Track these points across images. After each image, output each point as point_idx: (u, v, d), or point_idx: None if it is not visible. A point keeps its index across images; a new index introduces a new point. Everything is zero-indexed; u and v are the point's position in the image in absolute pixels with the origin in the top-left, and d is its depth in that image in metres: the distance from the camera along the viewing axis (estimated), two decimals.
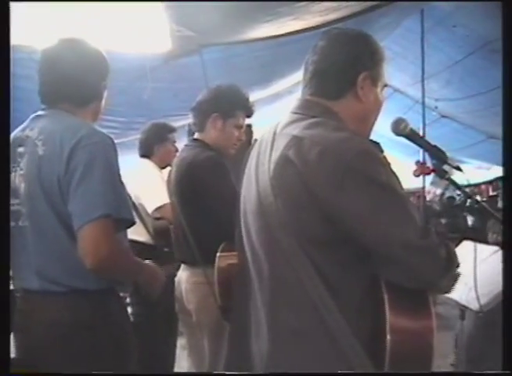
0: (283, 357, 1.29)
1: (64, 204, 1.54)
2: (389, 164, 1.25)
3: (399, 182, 1.24)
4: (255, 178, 1.34)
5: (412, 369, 1.19)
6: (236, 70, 4.96)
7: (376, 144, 1.30)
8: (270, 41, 4.45)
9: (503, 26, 1.66)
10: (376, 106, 1.42)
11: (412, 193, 11.00)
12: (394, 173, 1.24)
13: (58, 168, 1.54)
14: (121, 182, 1.61)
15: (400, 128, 1.40)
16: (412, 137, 1.43)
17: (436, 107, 8.76)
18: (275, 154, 1.28)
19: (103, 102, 1.80)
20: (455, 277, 1.27)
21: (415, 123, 7.12)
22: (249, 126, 2.66)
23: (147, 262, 1.78)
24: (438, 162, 1.44)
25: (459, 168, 1.48)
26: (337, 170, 1.17)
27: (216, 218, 2.07)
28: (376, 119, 1.45)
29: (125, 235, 1.75)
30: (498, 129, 10.46)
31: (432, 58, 6.81)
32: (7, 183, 1.56)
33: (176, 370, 3.31)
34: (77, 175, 1.52)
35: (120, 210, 1.56)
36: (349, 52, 1.36)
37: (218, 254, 1.89)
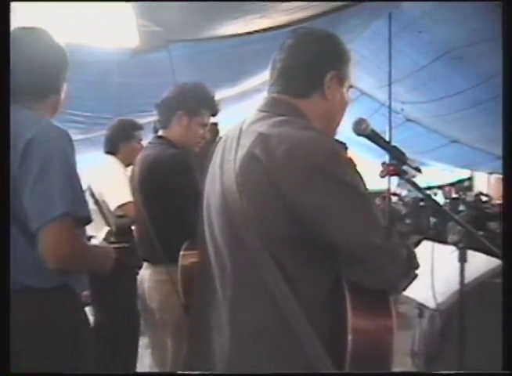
0: (244, 356, 1.29)
1: (17, 201, 1.49)
2: (354, 164, 1.26)
3: (364, 183, 1.25)
4: (220, 176, 1.33)
5: (373, 368, 1.20)
6: (204, 67, 4.94)
7: (342, 144, 1.31)
8: (238, 39, 4.45)
9: (503, 26, 1.68)
10: (342, 106, 1.43)
11: (378, 193, 11.19)
12: (359, 174, 1.25)
13: (12, 164, 1.48)
14: (79, 180, 1.58)
15: (361, 129, 1.42)
16: (373, 137, 1.45)
17: (402, 110, 8.92)
18: (242, 151, 1.28)
19: (63, 95, 1.75)
20: (413, 278, 1.29)
21: (381, 126, 7.29)
22: (215, 124, 2.65)
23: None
24: (397, 163, 1.47)
25: (418, 169, 1.51)
26: (304, 169, 1.18)
27: (179, 216, 2.06)
28: (341, 119, 1.46)
29: (84, 231, 1.73)
30: (460, 134, 10.77)
31: (398, 62, 6.94)
32: (7, 183, 1.50)
33: (139, 369, 3.28)
34: (33, 172, 1.47)
35: (78, 208, 1.53)
36: (317, 51, 1.37)
37: (181, 252, 1.88)
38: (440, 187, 15.37)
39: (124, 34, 3.70)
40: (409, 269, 1.25)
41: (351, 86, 1.46)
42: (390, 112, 6.94)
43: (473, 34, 6.22)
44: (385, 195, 8.27)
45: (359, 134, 1.43)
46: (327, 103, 1.38)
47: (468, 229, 1.64)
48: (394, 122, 7.39)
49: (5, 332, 1.39)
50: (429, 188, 15.19)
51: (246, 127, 1.35)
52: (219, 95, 6.29)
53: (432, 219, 10.12)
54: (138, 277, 2.47)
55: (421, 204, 9.66)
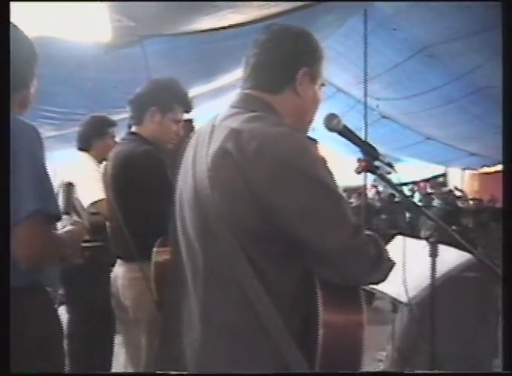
0: (216, 352, 1.29)
1: None
2: (326, 161, 1.27)
3: (334, 180, 1.26)
4: (192, 171, 1.33)
5: (343, 363, 1.21)
6: (179, 63, 4.92)
7: (313, 140, 1.32)
8: (213, 35, 4.44)
9: (503, 26, 1.69)
10: (315, 103, 1.44)
11: (355, 189, 11.27)
12: (329, 170, 1.26)
13: None
14: (48, 177, 1.55)
15: (333, 124, 1.43)
16: (345, 133, 1.46)
17: (377, 106, 9.00)
18: (214, 147, 1.28)
19: (33, 90, 1.72)
20: (387, 268, 1.31)
21: (357, 122, 7.34)
22: (190, 121, 2.64)
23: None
24: (369, 158, 1.48)
25: (390, 165, 1.52)
26: (275, 165, 1.18)
27: (152, 212, 2.05)
28: (314, 115, 1.47)
29: (54, 228, 1.70)
30: (434, 131, 10.92)
31: (374, 59, 7.01)
32: (7, 183, 1.46)
33: (114, 368, 3.25)
34: None
35: (48, 206, 1.50)
36: (290, 47, 1.37)
37: (154, 249, 1.87)
38: (415, 183, 15.57)
39: (98, 29, 3.65)
40: (378, 264, 1.25)
41: (323, 84, 1.46)
42: (365, 109, 7.00)
43: (446, 32, 6.31)
44: (361, 191, 8.34)
45: (331, 129, 1.44)
46: (299, 99, 1.38)
47: (439, 223, 1.66)
48: (369, 119, 7.46)
49: (5, 332, 1.37)
50: (405, 184, 15.42)
51: (218, 122, 1.34)
52: (194, 91, 6.27)
53: (408, 215, 10.26)
54: (112, 275, 2.44)
55: (396, 199, 9.77)
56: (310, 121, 1.46)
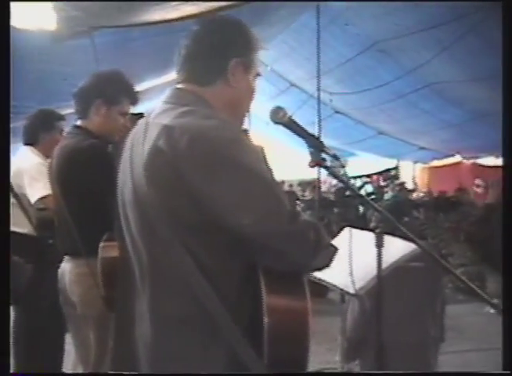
0: (166, 346, 1.29)
1: None
2: (259, 150, 1.28)
3: (268, 169, 1.27)
4: (130, 169, 1.33)
5: (290, 350, 1.23)
6: (130, 55, 4.84)
7: (245, 131, 1.32)
8: (166, 27, 4.38)
9: (504, 26, 1.71)
10: (249, 94, 1.44)
11: (309, 183, 11.39)
12: (263, 160, 1.27)
13: None
14: None
15: (278, 117, 1.43)
16: (291, 126, 1.46)
17: (331, 101, 9.11)
18: (148, 144, 1.27)
19: None
20: (329, 254, 1.33)
21: (310, 117, 7.40)
22: (141, 114, 2.60)
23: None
24: (315, 150, 1.48)
25: (336, 157, 1.53)
26: (207, 157, 1.19)
27: (98, 207, 2.01)
28: (248, 106, 1.47)
29: None
30: (386, 125, 11.15)
31: (326, 55, 7.08)
32: (7, 183, 1.38)
33: (65, 368, 3.18)
34: None
35: None
36: (221, 37, 1.37)
37: (101, 244, 1.84)
38: (368, 176, 15.87)
39: (42, 17, 3.52)
40: (318, 249, 1.27)
41: (259, 74, 1.46)
42: (318, 103, 7.06)
43: (396, 28, 6.44)
44: (315, 184, 8.44)
45: (277, 122, 1.45)
46: (232, 90, 1.38)
47: (384, 214, 1.70)
48: (322, 114, 7.54)
49: (5, 332, 1.35)
50: (358, 177, 15.69)
51: (152, 120, 1.34)
52: (147, 84, 6.19)
53: (361, 208, 10.43)
54: (59, 271, 2.39)
55: (348, 193, 9.92)
56: (245, 112, 1.47)
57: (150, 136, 1.28)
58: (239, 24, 1.42)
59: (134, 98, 2.39)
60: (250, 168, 1.21)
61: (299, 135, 1.49)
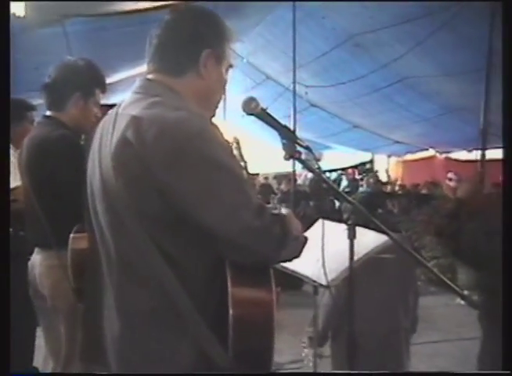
0: (133, 339, 1.29)
1: None
2: (227, 143, 1.27)
3: (236, 162, 1.27)
4: (98, 160, 1.31)
5: (255, 342, 1.23)
6: (103, 45, 4.77)
7: (214, 124, 1.30)
8: (139, 17, 4.33)
9: (504, 26, 1.70)
10: (220, 85, 1.43)
11: (284, 176, 11.43)
12: (232, 153, 1.27)
13: None
14: None
15: (251, 107, 1.42)
16: (263, 117, 1.45)
17: (306, 93, 9.13)
18: (116, 136, 1.26)
19: None
20: (298, 245, 1.33)
21: (286, 110, 7.40)
22: (114, 106, 2.56)
23: None
24: (288, 142, 1.48)
25: (308, 148, 1.53)
26: (174, 150, 1.17)
27: (69, 199, 1.98)
28: (220, 98, 1.46)
29: None
30: (361, 119, 11.23)
31: (302, 48, 7.10)
32: (7, 183, 1.34)
33: (36, 361, 3.14)
34: None
35: None
36: (193, 28, 1.35)
37: (71, 235, 1.82)
38: (343, 169, 16.00)
39: (10, 3, 3.43)
40: (284, 242, 1.26)
41: (231, 65, 1.45)
42: (294, 96, 7.08)
43: (371, 22, 6.48)
44: (290, 177, 8.46)
45: (249, 113, 1.44)
46: (203, 81, 1.37)
47: (356, 206, 1.71)
48: (298, 107, 7.57)
49: (5, 332, 1.36)
50: (334, 170, 15.79)
51: (121, 110, 1.32)
52: (120, 75, 6.11)
53: (337, 201, 10.49)
54: (29, 263, 2.35)
55: (324, 185, 9.93)
56: (216, 103, 1.46)
57: (119, 127, 1.26)
58: (211, 15, 1.41)
59: (104, 87, 2.36)
60: (217, 161, 1.20)
61: (272, 126, 1.48)
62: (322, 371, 2.77)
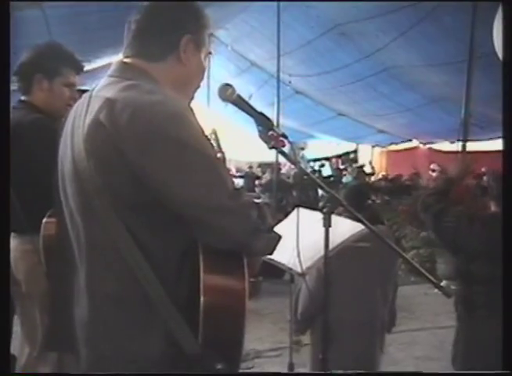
0: (102, 325, 1.28)
1: None
2: (201, 127, 1.26)
3: (209, 146, 1.26)
4: (70, 142, 1.30)
5: (225, 329, 1.23)
6: (85, 30, 4.71)
7: (189, 108, 1.29)
8: (122, 3, 4.26)
9: (503, 25, 1.70)
10: (199, 71, 1.43)
11: (268, 165, 11.44)
12: (205, 137, 1.26)
13: None
14: None
15: (227, 94, 1.42)
16: (239, 103, 1.45)
17: (290, 82, 9.13)
18: (89, 118, 1.25)
19: None
20: (272, 239, 1.32)
21: (271, 97, 7.37)
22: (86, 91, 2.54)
23: None
24: (263, 129, 1.48)
25: (284, 136, 1.53)
26: (147, 132, 1.17)
27: (42, 183, 1.96)
28: (198, 84, 1.46)
29: None
30: (345, 107, 11.26)
31: (287, 36, 7.10)
32: (7, 183, 1.32)
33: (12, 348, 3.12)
34: None
35: None
36: (173, 13, 1.35)
37: (43, 220, 1.80)
38: (327, 159, 16.05)
39: None
40: (259, 229, 1.26)
41: (210, 52, 1.45)
42: (278, 83, 7.06)
43: (356, 12, 6.47)
44: (273, 166, 8.47)
45: (224, 100, 1.44)
46: (183, 67, 1.36)
47: (332, 194, 1.72)
48: (283, 94, 7.56)
49: (5, 332, 1.34)
50: (318, 160, 15.82)
51: (95, 92, 1.31)
52: (102, 61, 6.04)
53: (320, 191, 10.55)
54: None
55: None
56: (194, 90, 1.45)
57: (92, 109, 1.25)
58: (190, 1, 1.40)
59: (77, 67, 2.33)
60: (191, 143, 1.19)
61: (247, 112, 1.48)
62: (299, 359, 2.80)
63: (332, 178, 12.26)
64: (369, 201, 2.97)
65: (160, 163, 1.18)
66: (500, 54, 4.11)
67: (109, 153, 1.19)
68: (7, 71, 1.43)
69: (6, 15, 1.45)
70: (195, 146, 1.20)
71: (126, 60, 1.35)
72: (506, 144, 1.87)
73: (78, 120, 1.30)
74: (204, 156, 1.21)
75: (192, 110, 1.26)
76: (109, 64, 1.42)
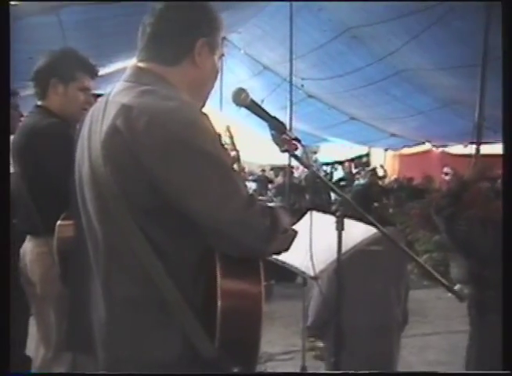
0: (119, 327, 1.29)
1: None
2: (217, 135, 1.27)
3: (226, 154, 1.27)
4: (88, 148, 1.31)
5: (242, 333, 1.23)
6: (100, 35, 4.75)
7: (205, 115, 1.30)
8: (135, 7, 4.30)
9: (504, 26, 1.70)
10: (213, 74, 1.43)
11: (281, 168, 11.43)
12: (221, 144, 1.27)
13: None
14: None
15: (241, 99, 1.43)
16: (253, 108, 1.47)
17: (302, 86, 9.13)
18: (106, 123, 1.25)
19: None
20: (287, 238, 1.33)
21: (283, 101, 7.37)
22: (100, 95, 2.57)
23: None
24: (276, 133, 1.49)
25: (298, 140, 1.53)
26: (164, 139, 1.17)
27: (57, 187, 1.99)
28: (212, 87, 1.46)
29: None
30: (357, 111, 11.22)
31: (299, 39, 7.10)
32: (7, 183, 1.34)
33: (28, 348, 3.15)
34: None
35: None
36: (187, 17, 1.35)
37: (57, 223, 1.83)
38: (340, 163, 16.01)
39: None
40: (273, 234, 1.26)
41: (223, 54, 1.46)
42: (291, 87, 7.06)
43: (368, 16, 6.47)
44: (286, 170, 8.46)
45: (238, 104, 1.45)
46: (198, 70, 1.36)
47: (344, 197, 1.72)
48: (295, 98, 7.57)
49: (5, 332, 1.36)
50: (331, 164, 15.77)
51: (111, 98, 1.31)
52: (116, 65, 6.09)
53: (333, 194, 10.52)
54: (21, 251, 2.37)
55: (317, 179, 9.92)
56: (208, 93, 1.46)
57: (109, 114, 1.26)
58: (203, 4, 1.40)
59: (91, 71, 2.36)
60: (207, 152, 1.20)
61: (261, 117, 1.49)
62: (312, 362, 2.80)
63: (344, 182, 12.23)
64: (376, 204, 2.95)
65: (176, 171, 1.18)
66: None
67: (126, 159, 1.20)
68: (7, 72, 1.43)
69: (6, 15, 1.46)
70: (211, 154, 1.20)
71: (141, 65, 1.36)
72: (506, 148, 1.86)
73: (95, 125, 1.30)
74: (220, 165, 1.22)
75: (208, 116, 1.26)
76: (124, 68, 1.42)
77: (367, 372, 2.53)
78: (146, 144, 1.18)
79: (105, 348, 1.32)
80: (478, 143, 5.52)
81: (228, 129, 1.69)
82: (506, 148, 1.71)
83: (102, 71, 2.60)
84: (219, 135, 1.27)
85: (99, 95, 2.41)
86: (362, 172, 12.99)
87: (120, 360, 1.29)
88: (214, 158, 1.21)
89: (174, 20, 1.34)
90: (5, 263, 1.39)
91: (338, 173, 13.41)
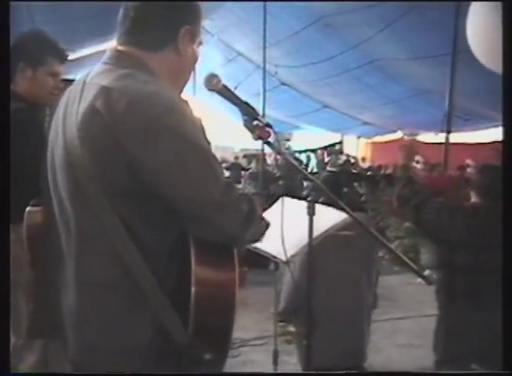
0: (90, 312, 1.28)
1: None
2: (197, 120, 1.27)
3: (205, 139, 1.27)
4: (62, 130, 1.28)
5: (215, 319, 1.24)
6: (69, 19, 4.64)
7: (185, 101, 1.30)
8: None
9: (504, 26, 1.70)
10: (193, 62, 1.43)
11: (254, 155, 11.44)
12: (200, 130, 1.26)
13: None
14: None
15: (212, 84, 1.43)
16: (225, 93, 1.46)
17: (276, 73, 9.12)
18: (83, 105, 1.23)
19: None
20: (261, 228, 1.34)
21: (257, 87, 7.35)
22: (74, 81, 2.52)
23: None
24: (248, 119, 1.49)
25: (269, 125, 1.54)
26: (143, 123, 1.16)
27: (26, 172, 1.95)
28: (190, 74, 1.46)
29: None
30: (331, 99, 11.28)
31: (274, 27, 7.08)
32: (7, 183, 1.30)
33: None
34: None
35: None
36: (173, 4, 1.34)
37: (26, 209, 1.80)
38: (313, 151, 16.11)
39: None
40: (250, 221, 1.27)
41: (201, 42, 1.45)
42: (264, 74, 7.06)
43: (342, 3, 6.48)
44: (258, 156, 8.47)
45: (210, 89, 1.44)
46: (179, 58, 1.36)
47: (316, 183, 1.74)
48: (269, 85, 7.56)
49: (5, 332, 1.33)
50: (304, 151, 15.84)
51: (89, 79, 1.29)
52: (88, 50, 5.98)
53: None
54: None
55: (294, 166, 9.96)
56: (186, 80, 1.45)
57: (86, 96, 1.24)
58: None
59: (61, 56, 2.30)
60: (187, 136, 1.19)
61: (233, 102, 1.49)
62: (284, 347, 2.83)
63: (316, 170, 12.33)
64: (346, 189, 2.97)
65: (156, 155, 1.17)
66: (475, 51, 4.14)
67: (105, 141, 1.18)
68: (7, 69, 1.41)
69: (6, 15, 1.45)
70: (191, 138, 1.20)
71: (121, 48, 1.34)
72: (506, 139, 1.88)
73: (71, 107, 1.28)
74: (200, 149, 1.22)
75: (187, 102, 1.26)
76: (95, 53, 1.41)
77: (364, 372, 2.58)
78: (126, 126, 1.17)
79: (75, 333, 1.31)
80: (448, 132, 5.62)
81: (199, 121, 1.69)
82: (506, 146, 1.73)
83: (72, 56, 2.54)
84: (200, 121, 1.27)
85: (68, 81, 2.37)
86: (333, 160, 13.11)
87: (90, 345, 1.28)
88: (193, 142, 1.20)
89: (160, 7, 1.33)
90: (5, 263, 1.37)
91: (313, 161, 13.49)
